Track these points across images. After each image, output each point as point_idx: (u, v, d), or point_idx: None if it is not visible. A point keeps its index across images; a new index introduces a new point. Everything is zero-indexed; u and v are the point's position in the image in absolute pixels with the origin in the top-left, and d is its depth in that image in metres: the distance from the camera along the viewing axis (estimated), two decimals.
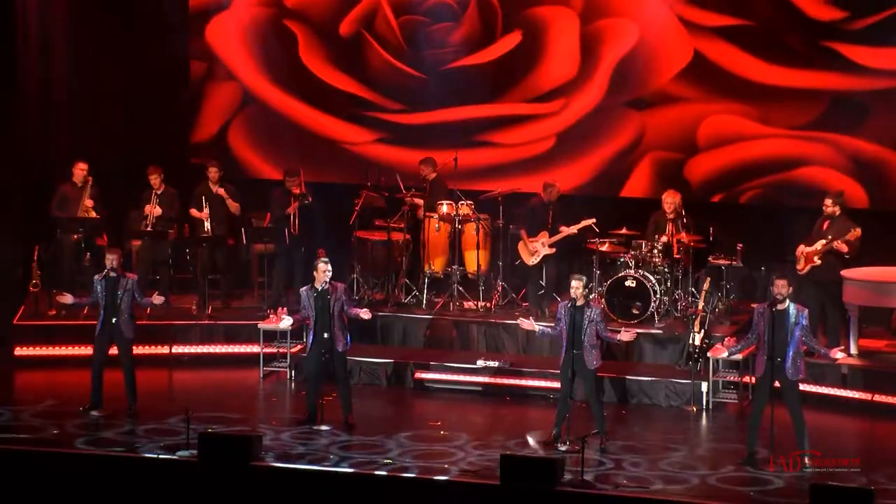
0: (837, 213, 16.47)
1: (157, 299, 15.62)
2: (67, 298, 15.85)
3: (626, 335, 14.82)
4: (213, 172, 18.47)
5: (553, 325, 14.80)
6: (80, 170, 18.20)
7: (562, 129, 19.36)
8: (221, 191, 18.37)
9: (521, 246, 17.86)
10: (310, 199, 18.13)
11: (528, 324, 15.21)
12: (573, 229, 17.58)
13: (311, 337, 15.15)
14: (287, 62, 20.09)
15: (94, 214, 18.16)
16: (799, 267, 16.46)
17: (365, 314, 15.25)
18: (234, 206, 18.41)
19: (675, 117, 18.97)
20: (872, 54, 17.97)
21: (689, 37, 18.71)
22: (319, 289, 14.98)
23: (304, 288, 15.21)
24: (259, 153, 20.37)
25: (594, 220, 17.49)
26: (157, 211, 18.22)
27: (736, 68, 18.60)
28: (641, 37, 18.91)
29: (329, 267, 14.99)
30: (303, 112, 20.18)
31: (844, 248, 16.22)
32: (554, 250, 17.69)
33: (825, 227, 16.46)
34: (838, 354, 14.54)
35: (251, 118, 20.37)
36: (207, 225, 18.27)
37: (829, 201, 16.51)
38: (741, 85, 18.58)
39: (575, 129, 19.32)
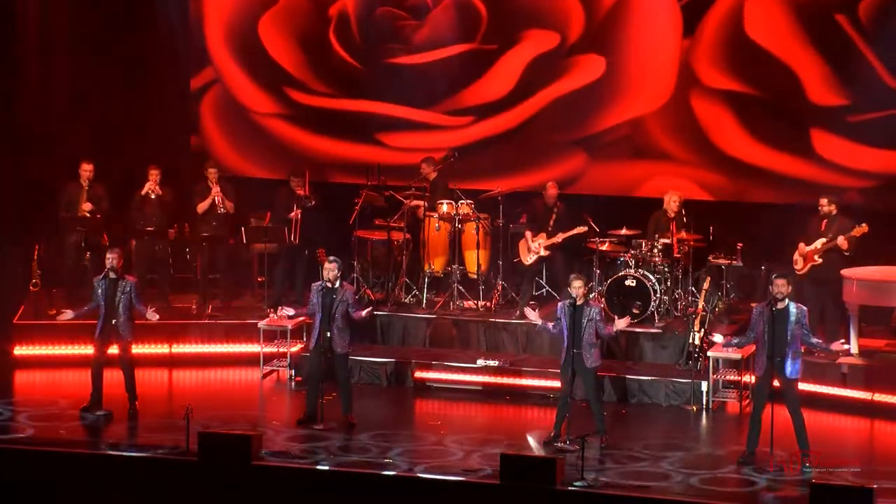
0: (834, 212, 16.47)
1: (152, 315, 15.47)
2: (68, 314, 15.73)
3: (621, 322, 14.75)
4: (211, 173, 18.47)
5: (553, 323, 14.75)
6: (84, 170, 18.19)
7: (458, 145, 19.06)
8: (216, 187, 18.38)
9: (521, 244, 17.86)
10: (313, 202, 18.13)
11: (532, 314, 15.13)
12: (564, 236, 17.57)
13: (312, 336, 15.16)
14: (243, 24, 20.06)
15: (88, 214, 18.12)
16: (798, 267, 16.45)
17: (365, 312, 15.26)
18: (213, 190, 18.38)
19: (627, 169, 18.84)
20: (855, 152, 17.76)
21: (674, 89, 18.57)
22: (330, 286, 14.98)
23: (317, 283, 15.21)
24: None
25: (585, 229, 17.48)
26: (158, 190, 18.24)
27: (718, 136, 18.45)
28: (611, 78, 18.72)
29: (332, 266, 14.97)
30: (232, 71, 20.20)
31: (846, 245, 16.21)
32: (548, 253, 17.68)
33: (823, 226, 16.45)
34: (842, 346, 14.47)
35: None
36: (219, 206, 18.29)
37: (824, 200, 16.50)
38: (717, 154, 18.46)
39: (473, 148, 19.21)
